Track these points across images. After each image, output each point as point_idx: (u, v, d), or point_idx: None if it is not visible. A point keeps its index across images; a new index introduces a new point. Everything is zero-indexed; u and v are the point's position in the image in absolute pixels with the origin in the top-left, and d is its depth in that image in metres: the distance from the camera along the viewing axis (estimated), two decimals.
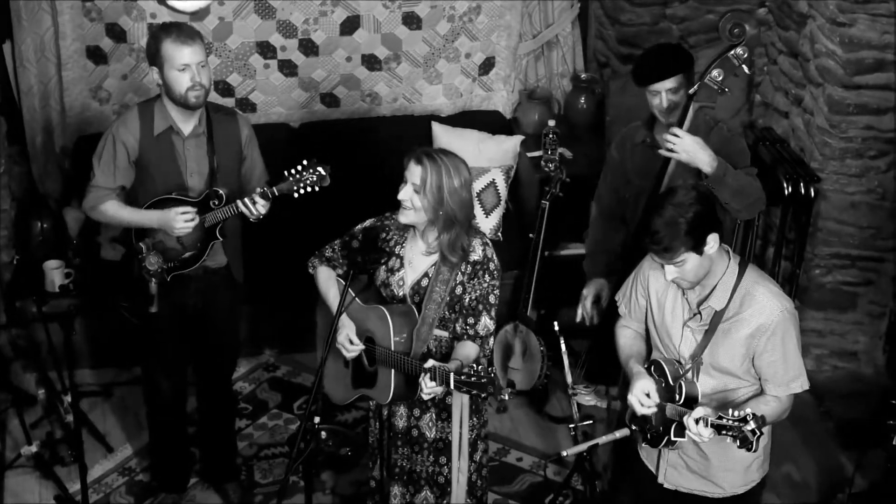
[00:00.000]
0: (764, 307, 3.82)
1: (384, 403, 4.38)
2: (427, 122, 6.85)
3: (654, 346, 4.10)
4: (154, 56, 4.62)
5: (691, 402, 3.82)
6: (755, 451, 3.63)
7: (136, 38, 6.51)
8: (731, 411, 3.64)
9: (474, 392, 3.91)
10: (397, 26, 6.81)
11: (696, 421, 3.69)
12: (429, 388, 4.01)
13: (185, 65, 4.57)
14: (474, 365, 3.96)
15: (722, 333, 3.86)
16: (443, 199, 4.07)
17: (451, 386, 3.94)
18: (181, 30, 4.63)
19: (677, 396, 3.84)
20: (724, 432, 3.63)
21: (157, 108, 4.74)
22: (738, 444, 3.60)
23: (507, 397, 5.60)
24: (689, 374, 3.91)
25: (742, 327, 3.84)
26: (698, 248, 3.72)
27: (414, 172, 4.09)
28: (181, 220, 4.66)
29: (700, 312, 3.89)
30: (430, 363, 4.02)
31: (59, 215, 6.44)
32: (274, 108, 6.89)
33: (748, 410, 3.60)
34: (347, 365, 4.46)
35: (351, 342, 4.27)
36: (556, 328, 5.44)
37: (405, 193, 4.12)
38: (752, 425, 3.56)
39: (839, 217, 5.76)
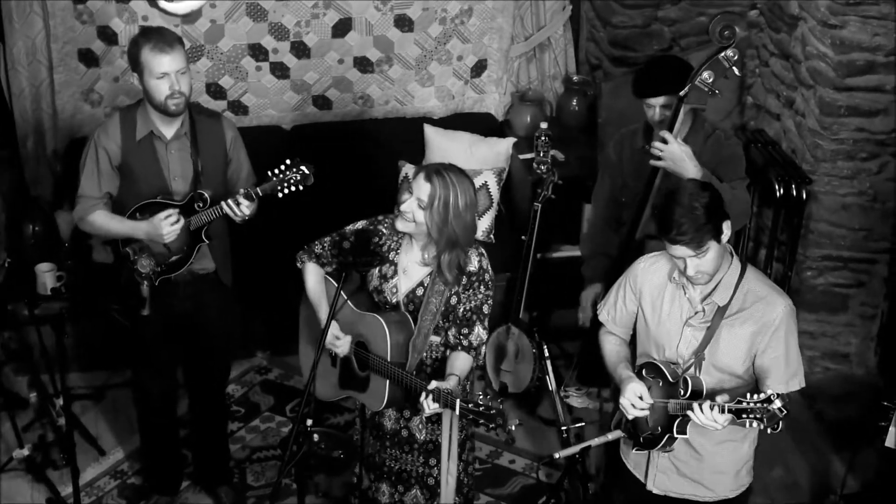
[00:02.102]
0: (768, 304, 3.83)
1: (377, 410, 4.37)
2: (419, 124, 6.84)
3: (644, 353, 4.09)
4: (134, 63, 4.61)
5: (696, 397, 3.81)
6: (778, 430, 3.61)
7: (128, 41, 6.45)
8: (749, 395, 3.63)
9: (481, 422, 3.87)
10: (389, 28, 6.81)
11: (712, 407, 3.69)
12: (431, 409, 3.98)
13: (163, 73, 4.56)
14: (480, 394, 3.91)
15: (724, 330, 3.86)
16: (448, 221, 4.03)
17: (457, 412, 3.90)
18: (161, 36, 4.60)
19: (682, 391, 3.83)
20: (745, 416, 3.61)
21: (139, 112, 4.73)
22: (766, 423, 3.57)
23: (514, 428, 5.60)
24: (692, 370, 3.90)
25: (746, 324, 3.84)
26: (718, 235, 3.74)
27: (423, 188, 4.04)
28: (167, 226, 4.65)
29: (703, 308, 3.89)
30: (434, 385, 3.97)
31: (51, 218, 6.44)
32: (266, 111, 6.89)
33: (770, 391, 3.60)
34: (335, 364, 4.45)
35: (337, 339, 4.27)
36: (536, 336, 5.46)
37: (409, 206, 4.07)
38: (778, 403, 3.55)
39: (831, 219, 5.78)
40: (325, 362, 4.46)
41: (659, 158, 4.55)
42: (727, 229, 3.78)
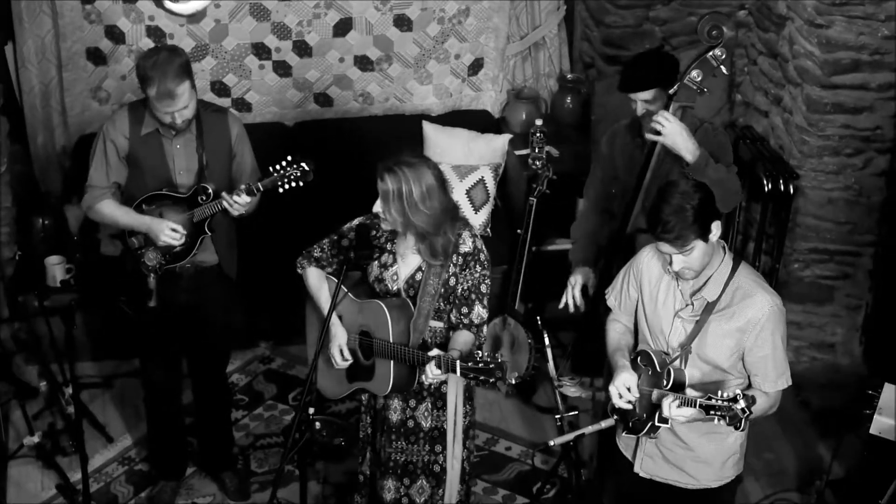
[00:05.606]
0: (755, 301, 3.87)
1: (383, 395, 4.42)
2: (418, 121, 6.88)
3: (643, 339, 4.15)
4: (142, 87, 4.67)
5: (679, 388, 3.87)
6: (743, 429, 3.69)
7: (135, 40, 6.56)
8: (720, 392, 3.69)
9: (482, 377, 3.95)
10: (389, 28, 6.86)
11: (680, 403, 3.76)
12: (434, 374, 4.08)
13: (168, 112, 4.66)
14: (479, 352, 4.02)
15: (712, 325, 3.91)
16: (405, 213, 4.10)
17: (458, 373, 4.00)
18: (165, 78, 4.57)
19: (665, 382, 3.88)
20: (712, 412, 3.67)
21: (148, 108, 4.77)
22: (728, 422, 3.64)
23: (514, 381, 5.67)
24: (677, 362, 3.96)
25: (733, 320, 3.88)
26: (705, 235, 3.78)
27: (380, 187, 4.14)
28: (167, 233, 4.75)
29: (692, 303, 3.94)
30: (436, 352, 4.08)
31: (60, 212, 6.49)
32: (269, 108, 6.94)
33: (738, 391, 3.66)
34: None
35: (342, 355, 4.38)
36: (539, 322, 5.53)
37: (378, 206, 4.19)
38: (742, 404, 3.61)
39: (817, 213, 5.84)
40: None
41: (658, 133, 4.59)
42: (716, 229, 3.82)
